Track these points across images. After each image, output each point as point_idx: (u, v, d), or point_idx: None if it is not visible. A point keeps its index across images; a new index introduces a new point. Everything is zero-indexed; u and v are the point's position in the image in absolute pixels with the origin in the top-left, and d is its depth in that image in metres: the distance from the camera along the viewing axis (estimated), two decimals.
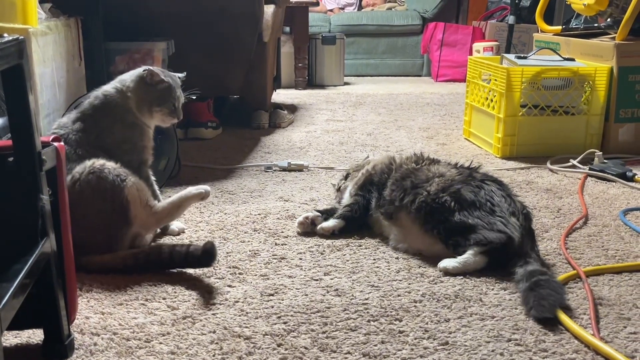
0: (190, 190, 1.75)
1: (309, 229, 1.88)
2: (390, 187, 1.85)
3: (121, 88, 1.82)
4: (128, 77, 1.84)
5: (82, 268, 1.56)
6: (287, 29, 5.12)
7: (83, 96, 2.27)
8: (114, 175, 1.65)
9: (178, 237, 1.87)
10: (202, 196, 1.76)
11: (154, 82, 1.81)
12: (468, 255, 1.61)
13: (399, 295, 1.50)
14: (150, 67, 1.82)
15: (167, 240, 1.85)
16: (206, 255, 1.56)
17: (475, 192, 1.70)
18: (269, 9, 3.32)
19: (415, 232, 1.74)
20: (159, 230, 1.87)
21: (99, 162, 1.66)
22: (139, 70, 1.84)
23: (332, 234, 1.87)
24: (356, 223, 1.89)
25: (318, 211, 1.92)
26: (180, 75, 1.93)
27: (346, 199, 2.00)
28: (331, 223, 1.89)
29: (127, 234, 1.68)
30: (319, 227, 1.89)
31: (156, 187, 1.88)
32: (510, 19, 5.05)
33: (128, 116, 1.80)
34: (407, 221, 1.76)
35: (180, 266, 1.59)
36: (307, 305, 1.45)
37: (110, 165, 1.67)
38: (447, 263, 1.62)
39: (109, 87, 1.84)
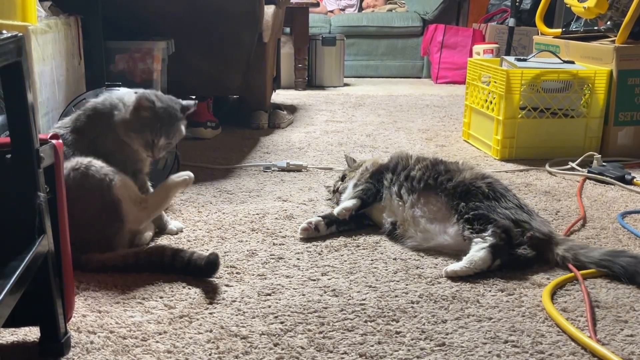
0: (173, 179, 1.76)
1: (313, 234, 1.87)
2: (419, 170, 1.90)
3: (121, 103, 1.77)
4: (129, 96, 1.77)
5: (81, 266, 1.56)
6: (287, 29, 5.12)
7: (82, 94, 2.27)
8: (101, 174, 1.63)
9: (176, 236, 1.87)
10: (187, 182, 1.77)
11: (141, 106, 1.73)
12: (473, 253, 1.62)
13: (396, 296, 1.50)
14: (146, 92, 1.74)
15: (164, 239, 1.85)
16: (209, 266, 1.56)
17: (506, 189, 1.83)
18: (269, 10, 3.32)
19: (439, 209, 1.79)
20: (149, 230, 1.85)
21: (85, 160, 1.64)
22: (139, 92, 1.76)
23: (350, 215, 1.90)
24: (366, 207, 1.93)
25: (319, 216, 1.92)
26: (190, 102, 1.83)
27: (349, 193, 2.00)
28: (350, 203, 1.91)
29: (122, 231, 1.67)
30: (339, 208, 1.90)
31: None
32: (511, 21, 5.06)
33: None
34: (434, 199, 1.81)
35: (180, 272, 1.58)
36: (304, 305, 1.45)
37: (97, 163, 1.65)
38: (454, 266, 1.62)
39: (115, 98, 1.79)
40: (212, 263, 1.56)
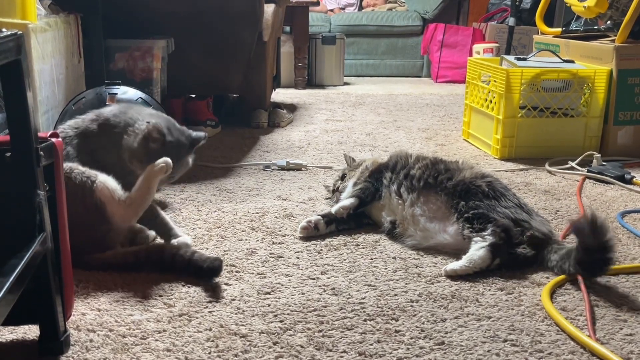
0: (150, 169, 1.65)
1: (312, 233, 1.86)
2: (418, 168, 1.90)
3: (131, 127, 1.73)
4: (141, 123, 1.73)
5: (82, 265, 1.55)
6: (287, 28, 5.12)
7: (82, 93, 2.27)
8: (83, 177, 1.60)
9: None
10: (165, 169, 1.65)
11: (150, 138, 1.70)
12: (472, 252, 1.63)
13: (395, 295, 1.50)
14: (158, 123, 1.70)
15: None
16: (211, 271, 1.54)
17: (505, 188, 1.83)
18: (269, 8, 3.32)
19: (439, 208, 1.78)
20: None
21: (67, 165, 1.60)
22: (151, 122, 1.71)
23: (348, 214, 1.90)
24: (365, 206, 1.93)
25: (319, 215, 1.91)
26: (200, 135, 1.82)
27: (348, 192, 2.00)
28: (348, 202, 1.91)
29: (111, 232, 1.63)
30: (337, 207, 1.91)
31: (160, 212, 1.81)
32: (511, 20, 5.06)
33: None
34: (434, 197, 1.80)
35: (181, 272, 1.57)
36: (304, 304, 1.45)
37: (78, 167, 1.62)
38: (454, 265, 1.62)
39: (129, 117, 1.75)
40: (215, 269, 1.54)
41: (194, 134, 1.82)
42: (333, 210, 1.91)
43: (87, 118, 1.78)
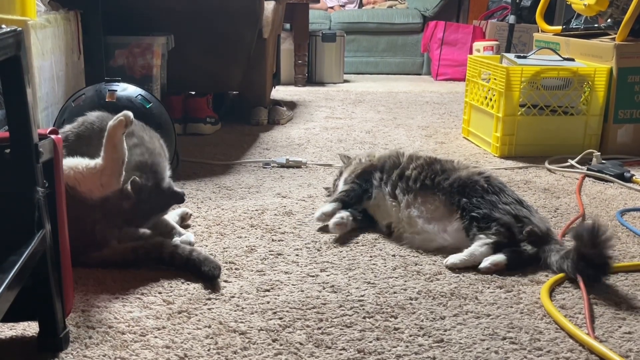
0: (110, 125, 1.52)
1: (345, 229, 1.84)
2: (414, 169, 1.87)
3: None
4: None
5: (82, 263, 1.55)
6: (287, 25, 5.11)
7: (82, 89, 2.27)
8: None
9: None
10: (125, 122, 1.52)
11: (123, 194, 1.59)
12: (475, 247, 1.63)
13: (394, 293, 1.50)
14: (138, 180, 1.59)
15: None
16: (208, 277, 1.54)
17: (503, 184, 1.83)
18: (269, 6, 3.31)
19: (437, 207, 1.77)
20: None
21: None
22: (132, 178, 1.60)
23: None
24: (349, 208, 1.90)
25: (347, 211, 1.88)
26: (180, 195, 1.71)
27: (340, 188, 2.00)
28: (329, 207, 1.88)
29: (98, 224, 1.56)
30: (319, 213, 1.89)
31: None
32: (511, 18, 5.05)
33: None
34: (432, 198, 1.78)
35: (179, 269, 1.57)
36: (303, 301, 1.45)
37: None
38: (454, 258, 1.63)
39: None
40: (213, 277, 1.53)
41: (178, 190, 1.71)
42: (315, 216, 1.89)
43: (88, 119, 1.76)
